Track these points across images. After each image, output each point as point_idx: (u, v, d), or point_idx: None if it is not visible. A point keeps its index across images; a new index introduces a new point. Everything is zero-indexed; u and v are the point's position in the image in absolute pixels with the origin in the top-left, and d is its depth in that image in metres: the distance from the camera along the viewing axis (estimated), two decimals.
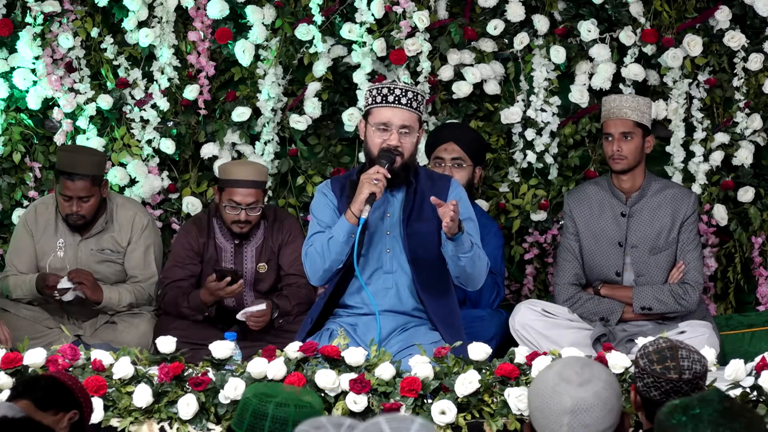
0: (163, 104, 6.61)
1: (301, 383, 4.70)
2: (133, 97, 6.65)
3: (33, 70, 6.58)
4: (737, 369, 4.80)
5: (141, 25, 6.60)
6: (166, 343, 4.93)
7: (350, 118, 6.64)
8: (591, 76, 6.73)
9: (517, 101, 6.74)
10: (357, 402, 4.73)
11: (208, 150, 6.68)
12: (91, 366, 4.90)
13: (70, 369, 4.89)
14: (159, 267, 6.27)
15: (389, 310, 5.23)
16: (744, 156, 6.71)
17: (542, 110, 6.72)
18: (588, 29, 6.67)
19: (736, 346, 6.15)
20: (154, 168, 6.65)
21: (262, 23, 6.62)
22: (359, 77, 6.58)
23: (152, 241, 6.25)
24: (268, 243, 6.20)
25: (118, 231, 6.20)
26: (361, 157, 6.52)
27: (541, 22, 6.69)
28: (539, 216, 6.71)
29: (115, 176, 6.58)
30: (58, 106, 6.57)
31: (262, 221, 6.21)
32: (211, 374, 4.85)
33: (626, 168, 6.04)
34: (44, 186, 6.61)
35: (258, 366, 4.79)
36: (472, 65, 6.71)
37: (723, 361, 5.35)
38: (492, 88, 6.74)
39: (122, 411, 4.80)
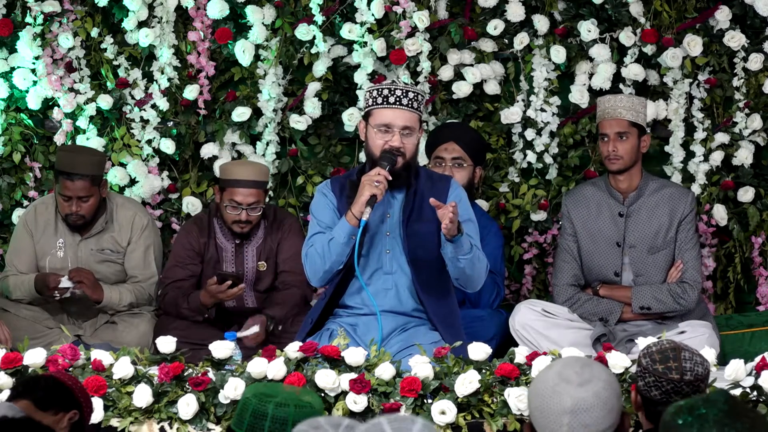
0: (163, 104, 6.61)
1: (301, 383, 4.70)
2: (133, 97, 6.65)
3: (33, 70, 6.58)
4: (737, 369, 4.80)
5: (141, 25, 6.60)
6: (166, 343, 4.92)
7: (350, 118, 6.64)
8: (591, 76, 6.73)
9: (517, 101, 6.74)
10: (357, 402, 4.73)
11: (208, 150, 6.68)
12: (91, 366, 4.90)
13: (70, 369, 4.89)
14: (159, 267, 6.27)
15: (389, 310, 5.22)
16: (744, 156, 6.71)
17: (542, 110, 6.72)
18: (588, 29, 6.67)
19: (736, 346, 6.15)
20: (154, 168, 6.65)
21: (262, 23, 6.62)
22: (360, 77, 6.58)
23: (152, 241, 6.25)
24: (268, 243, 6.20)
25: (118, 231, 6.20)
26: (362, 157, 6.53)
27: (541, 22, 6.69)
28: (539, 216, 6.71)
29: (115, 176, 6.58)
30: (58, 106, 6.57)
31: (263, 221, 6.21)
32: (211, 374, 4.85)
33: (622, 168, 6.04)
34: (44, 186, 6.61)
35: (258, 366, 4.79)
36: (472, 65, 6.71)
37: (723, 361, 5.34)
38: (492, 88, 6.74)
39: (122, 411, 4.80)
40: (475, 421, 4.76)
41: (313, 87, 6.66)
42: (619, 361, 4.82)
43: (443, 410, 4.70)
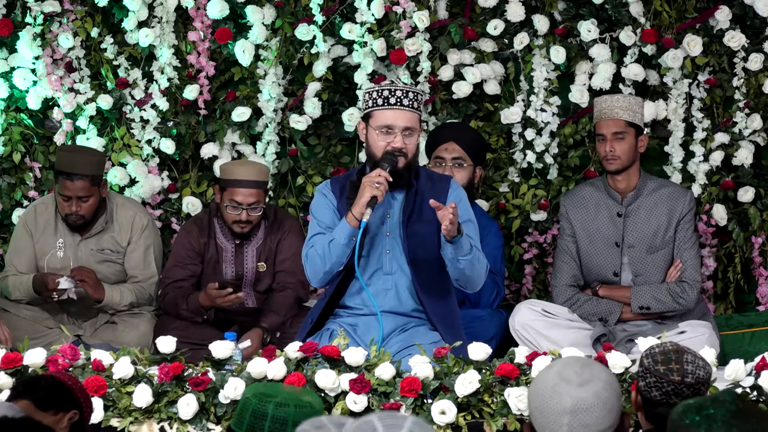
0: (163, 104, 6.61)
1: (301, 383, 4.70)
2: (133, 97, 6.65)
3: (33, 70, 6.58)
4: (737, 369, 4.80)
5: (141, 25, 6.60)
6: (166, 343, 4.92)
7: (350, 118, 6.64)
8: (591, 76, 6.73)
9: (517, 101, 6.74)
10: (357, 402, 4.73)
11: (208, 150, 6.68)
12: (91, 366, 4.90)
13: (70, 369, 4.89)
14: (159, 267, 6.27)
15: (389, 311, 5.22)
16: (744, 156, 6.71)
17: (542, 110, 6.72)
18: (588, 29, 6.67)
19: (736, 346, 6.15)
20: (154, 168, 6.65)
21: (262, 23, 6.62)
22: (360, 77, 6.58)
23: (152, 241, 6.25)
24: (268, 243, 6.20)
25: (118, 231, 6.20)
26: (362, 157, 6.53)
27: (541, 22, 6.69)
28: (539, 216, 6.71)
29: (115, 176, 6.58)
30: (58, 106, 6.57)
31: (263, 221, 6.21)
32: (211, 374, 4.85)
33: (620, 168, 6.04)
34: (44, 186, 6.61)
35: (258, 366, 4.79)
36: (472, 65, 6.71)
37: (723, 361, 5.34)
38: (492, 88, 6.74)
39: (122, 411, 4.80)
40: (475, 421, 4.76)
41: (313, 87, 6.66)
42: (619, 361, 4.82)
43: (443, 410, 4.70)
